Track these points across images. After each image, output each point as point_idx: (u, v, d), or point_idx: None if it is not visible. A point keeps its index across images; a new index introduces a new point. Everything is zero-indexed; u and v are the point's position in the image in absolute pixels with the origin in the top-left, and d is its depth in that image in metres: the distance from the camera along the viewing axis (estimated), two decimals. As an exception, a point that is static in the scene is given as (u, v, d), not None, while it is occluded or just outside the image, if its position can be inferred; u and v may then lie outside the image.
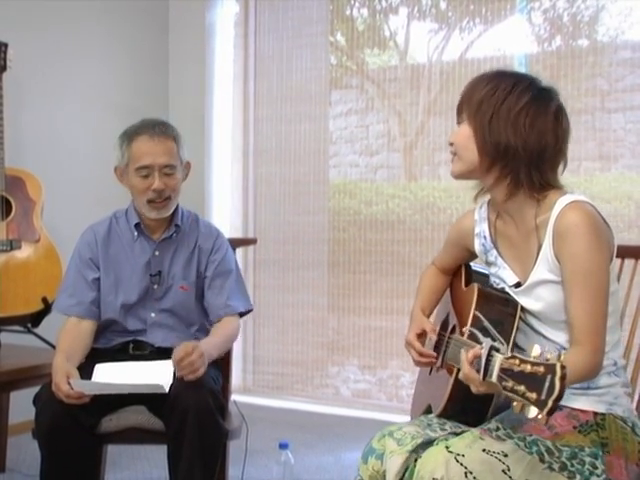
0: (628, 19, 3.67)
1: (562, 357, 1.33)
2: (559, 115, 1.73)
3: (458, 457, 1.57)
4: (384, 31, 4.32)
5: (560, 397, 1.29)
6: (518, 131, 1.69)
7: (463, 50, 4.07)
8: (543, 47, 3.87)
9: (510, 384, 1.37)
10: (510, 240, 1.82)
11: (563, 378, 1.30)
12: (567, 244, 1.67)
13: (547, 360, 1.34)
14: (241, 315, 2.54)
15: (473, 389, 1.55)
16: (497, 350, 1.48)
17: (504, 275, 1.83)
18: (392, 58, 4.41)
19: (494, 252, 1.86)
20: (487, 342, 1.52)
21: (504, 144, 1.70)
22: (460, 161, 1.78)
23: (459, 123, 1.79)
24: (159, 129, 2.40)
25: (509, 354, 1.40)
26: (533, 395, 1.32)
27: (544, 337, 1.77)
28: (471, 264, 2.04)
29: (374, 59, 4.46)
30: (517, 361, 1.37)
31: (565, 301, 1.70)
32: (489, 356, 1.49)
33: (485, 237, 1.89)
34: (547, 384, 1.30)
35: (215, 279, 2.48)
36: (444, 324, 1.96)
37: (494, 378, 1.42)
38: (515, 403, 1.36)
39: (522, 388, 1.34)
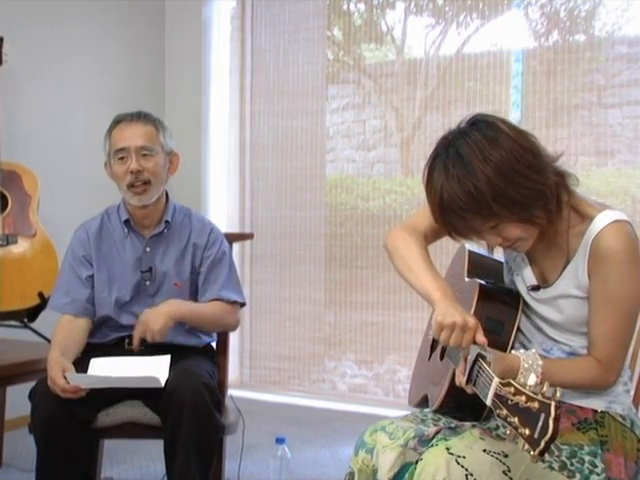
0: (625, 14, 3.67)
1: (558, 394, 1.30)
2: (516, 134, 1.63)
3: (459, 459, 1.56)
4: (381, 26, 4.32)
5: (553, 439, 1.26)
6: (522, 181, 1.58)
7: (460, 45, 4.07)
8: (540, 42, 3.87)
9: (504, 412, 1.35)
10: (538, 238, 1.73)
11: (557, 419, 1.26)
12: (604, 268, 1.63)
13: (543, 392, 1.31)
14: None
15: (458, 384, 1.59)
16: (484, 358, 1.49)
17: (523, 269, 1.79)
18: (389, 53, 4.40)
19: None
20: (474, 349, 1.54)
21: (532, 196, 1.59)
22: (529, 240, 1.68)
23: (495, 226, 1.63)
24: (138, 116, 2.42)
25: (506, 379, 1.38)
26: (526, 431, 1.29)
27: (554, 340, 1.76)
28: (473, 249, 1.99)
29: (371, 54, 4.46)
30: (512, 389, 1.35)
31: (588, 318, 1.68)
32: (474, 363, 1.51)
33: None
34: (540, 423, 1.27)
35: (209, 272, 2.47)
36: None
37: (488, 402, 1.41)
38: (508, 431, 1.34)
39: (515, 420, 1.32)
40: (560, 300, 1.71)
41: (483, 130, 1.62)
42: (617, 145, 3.68)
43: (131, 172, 2.35)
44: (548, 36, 3.86)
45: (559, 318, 1.73)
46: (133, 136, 2.37)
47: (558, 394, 1.30)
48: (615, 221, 1.63)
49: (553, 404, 1.28)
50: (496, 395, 1.38)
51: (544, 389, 1.31)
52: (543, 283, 1.76)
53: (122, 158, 2.37)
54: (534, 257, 1.78)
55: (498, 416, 1.37)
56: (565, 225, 1.69)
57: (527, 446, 1.28)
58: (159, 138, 2.42)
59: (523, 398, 1.32)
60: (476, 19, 4.02)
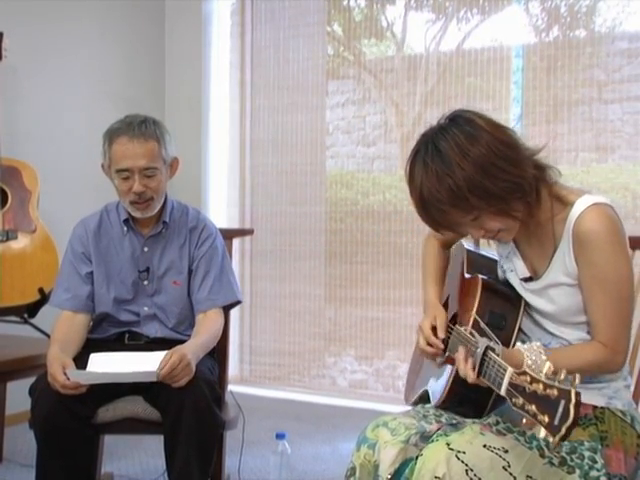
0: (625, 10, 3.67)
1: (577, 381, 1.31)
2: (494, 129, 1.65)
3: (459, 454, 1.57)
4: (381, 21, 4.31)
5: (574, 424, 1.27)
6: (500, 174, 1.61)
7: (460, 40, 4.06)
8: (540, 37, 3.86)
9: (520, 401, 1.36)
10: (525, 229, 1.76)
11: (578, 405, 1.27)
12: (587, 251, 1.64)
13: (560, 380, 1.32)
14: (230, 307, 2.54)
15: (469, 379, 1.59)
16: (493, 350, 1.51)
17: (516, 263, 1.81)
18: (389, 48, 4.40)
19: None
20: (483, 342, 1.55)
21: (509, 188, 1.62)
22: (511, 230, 1.72)
23: (475, 219, 1.67)
24: (139, 130, 2.34)
25: (520, 369, 1.39)
26: (545, 418, 1.30)
27: (552, 334, 1.76)
28: (470, 248, 2.01)
29: (371, 49, 4.45)
30: (528, 378, 1.36)
31: (585, 304, 1.69)
32: (484, 355, 1.52)
33: None
34: (561, 409, 1.28)
35: (198, 272, 2.47)
36: (444, 307, 1.95)
37: (503, 392, 1.42)
38: (525, 420, 1.35)
39: (533, 408, 1.32)
40: (551, 290, 1.72)
41: (461, 126, 1.66)
42: (617, 141, 3.68)
43: (134, 192, 2.35)
44: (548, 32, 3.85)
45: (552, 309, 1.73)
46: (136, 156, 2.32)
47: (577, 381, 1.31)
48: (594, 204, 1.65)
49: (573, 391, 1.29)
50: (511, 384, 1.39)
51: (561, 377, 1.32)
52: (535, 276, 1.77)
53: (125, 178, 2.35)
54: (525, 252, 1.80)
55: (514, 405, 1.38)
56: (549, 214, 1.70)
57: (546, 433, 1.29)
58: (161, 153, 2.38)
59: (540, 386, 1.33)
60: (476, 15, 4.02)
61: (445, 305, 1.96)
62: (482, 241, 1.95)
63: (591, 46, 3.70)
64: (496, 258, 1.93)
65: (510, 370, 1.41)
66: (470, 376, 1.57)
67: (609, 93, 3.67)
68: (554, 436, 1.28)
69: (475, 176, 1.60)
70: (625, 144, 3.66)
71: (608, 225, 1.64)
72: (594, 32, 3.74)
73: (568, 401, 1.28)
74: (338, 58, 4.52)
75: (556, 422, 1.28)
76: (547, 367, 1.36)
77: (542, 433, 1.31)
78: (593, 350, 1.67)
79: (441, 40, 4.13)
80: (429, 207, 1.66)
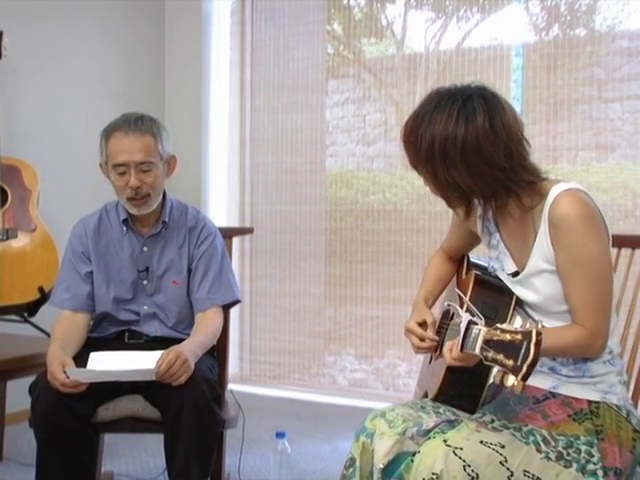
0: (625, 8, 3.67)
1: (540, 325, 1.36)
2: (492, 117, 1.65)
3: (456, 450, 1.57)
4: (381, 20, 4.31)
5: (534, 362, 1.32)
6: (480, 169, 1.66)
7: (460, 39, 4.06)
8: (540, 36, 3.86)
9: (491, 354, 1.40)
10: (510, 226, 1.81)
11: (538, 344, 1.32)
12: (561, 234, 1.67)
13: (526, 327, 1.37)
14: (230, 305, 2.54)
15: (447, 360, 1.62)
16: (475, 324, 1.53)
17: (504, 262, 1.83)
18: (389, 47, 4.40)
19: (497, 235, 1.86)
20: (466, 316, 1.57)
21: (480, 182, 1.68)
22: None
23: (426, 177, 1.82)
24: (135, 125, 2.34)
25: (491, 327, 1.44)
26: (510, 362, 1.35)
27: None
28: (470, 257, 2.05)
29: (371, 48, 4.45)
30: (498, 331, 1.41)
31: (563, 288, 1.71)
32: (467, 329, 1.54)
33: (489, 219, 1.87)
34: (523, 350, 1.33)
35: (198, 271, 2.47)
36: (446, 313, 1.97)
37: (477, 350, 1.45)
38: (496, 372, 1.39)
39: (501, 356, 1.37)
40: (534, 278, 1.75)
41: (473, 106, 1.66)
42: (617, 139, 3.68)
43: (130, 187, 2.35)
44: (548, 30, 3.85)
45: (536, 298, 1.76)
46: (132, 150, 2.32)
47: (540, 325, 1.36)
48: (567, 189, 1.68)
49: (534, 331, 1.34)
50: (484, 341, 1.43)
51: (527, 325, 1.38)
52: (522, 270, 1.79)
53: (121, 173, 2.35)
54: (511, 248, 1.82)
55: (486, 359, 1.42)
56: (529, 207, 1.73)
57: (512, 380, 1.34)
58: (157, 148, 2.37)
59: (507, 335, 1.39)
60: (476, 13, 4.02)
61: (448, 311, 1.97)
62: (479, 248, 2.00)
63: (591, 45, 3.70)
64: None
65: (484, 329, 1.45)
66: (454, 352, 1.59)
67: (609, 92, 3.67)
68: (517, 375, 1.33)
69: (475, 152, 1.64)
70: (625, 143, 3.66)
71: (580, 208, 1.66)
72: (594, 31, 3.74)
73: (529, 341, 1.33)
74: (338, 57, 4.52)
75: (519, 363, 1.33)
76: (517, 321, 1.41)
77: (510, 380, 1.35)
78: (573, 332, 1.69)
79: (441, 39, 4.13)
80: (404, 134, 1.74)
